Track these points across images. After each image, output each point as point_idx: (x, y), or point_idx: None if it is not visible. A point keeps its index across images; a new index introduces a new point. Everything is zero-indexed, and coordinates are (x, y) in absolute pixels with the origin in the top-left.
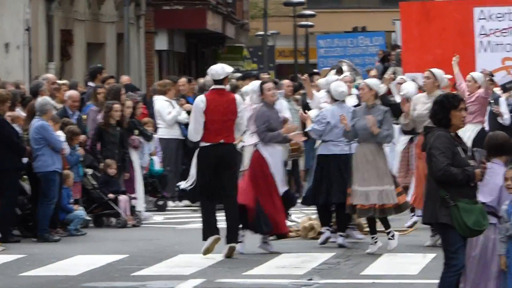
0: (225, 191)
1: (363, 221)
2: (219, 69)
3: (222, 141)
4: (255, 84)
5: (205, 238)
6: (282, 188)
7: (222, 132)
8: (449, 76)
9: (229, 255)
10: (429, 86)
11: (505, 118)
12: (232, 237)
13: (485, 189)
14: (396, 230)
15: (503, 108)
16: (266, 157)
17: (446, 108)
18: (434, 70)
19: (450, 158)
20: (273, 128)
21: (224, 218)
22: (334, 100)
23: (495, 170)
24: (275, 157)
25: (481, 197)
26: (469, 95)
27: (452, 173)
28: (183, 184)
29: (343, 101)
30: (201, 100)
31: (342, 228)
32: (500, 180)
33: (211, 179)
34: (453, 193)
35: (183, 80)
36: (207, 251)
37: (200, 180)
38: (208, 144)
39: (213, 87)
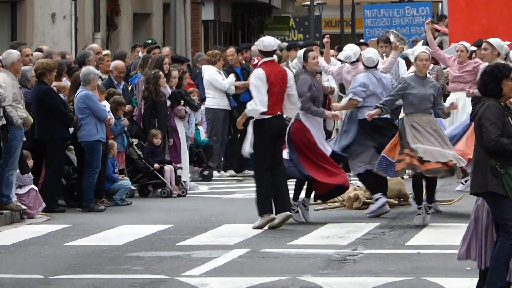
0: (276, 160)
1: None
2: (272, 41)
3: (279, 113)
4: (300, 52)
5: (261, 213)
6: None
7: (279, 103)
8: (508, 42)
9: (281, 224)
10: (489, 57)
11: None
12: (284, 205)
13: None
14: (440, 201)
15: None
16: (307, 126)
17: (497, 77)
18: (491, 40)
19: (501, 129)
20: (315, 97)
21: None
22: (366, 67)
23: None
24: (316, 126)
25: None
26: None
27: (503, 143)
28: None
29: (375, 67)
30: (261, 72)
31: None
32: None
33: (270, 152)
34: (503, 162)
35: (231, 50)
36: (259, 228)
37: (262, 153)
38: (268, 116)
39: (266, 59)
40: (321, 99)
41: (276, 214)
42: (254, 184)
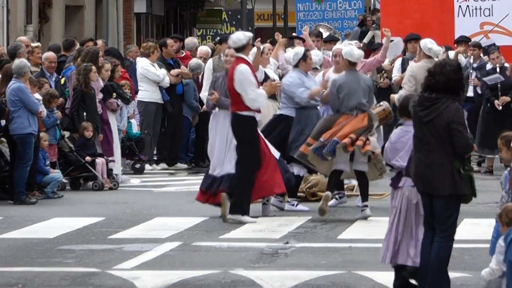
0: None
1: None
2: (240, 34)
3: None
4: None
5: (246, 213)
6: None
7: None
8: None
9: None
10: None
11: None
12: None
13: (403, 153)
14: (373, 194)
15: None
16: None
17: (461, 77)
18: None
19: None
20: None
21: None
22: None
23: (410, 132)
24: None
25: (400, 161)
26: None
27: (473, 146)
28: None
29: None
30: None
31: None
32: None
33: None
34: (463, 163)
35: (171, 41)
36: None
37: (255, 150)
38: (252, 114)
39: (237, 55)
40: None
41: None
42: (186, 178)
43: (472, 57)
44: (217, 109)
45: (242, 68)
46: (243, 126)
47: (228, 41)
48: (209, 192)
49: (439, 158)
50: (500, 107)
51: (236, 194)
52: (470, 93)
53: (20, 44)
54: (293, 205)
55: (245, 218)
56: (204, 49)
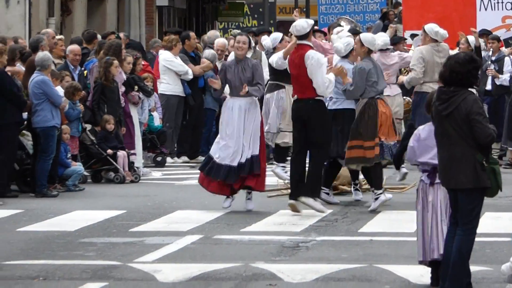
0: (309, 145)
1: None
2: (304, 23)
3: (295, 96)
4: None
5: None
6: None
7: (297, 88)
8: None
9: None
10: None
11: (502, 79)
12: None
13: (431, 150)
14: (394, 188)
15: (506, 67)
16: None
17: (476, 68)
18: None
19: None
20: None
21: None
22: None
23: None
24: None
25: (429, 157)
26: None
27: (494, 136)
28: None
29: (346, 56)
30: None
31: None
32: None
33: (296, 135)
34: (486, 156)
35: (194, 34)
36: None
37: (331, 134)
38: (322, 98)
39: (301, 42)
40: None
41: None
42: None
43: (491, 49)
44: (228, 97)
45: (315, 54)
46: (321, 111)
47: (291, 29)
48: (209, 178)
49: (461, 151)
50: None
51: (313, 179)
52: (488, 86)
53: (42, 37)
54: (328, 194)
55: (317, 204)
56: (221, 41)
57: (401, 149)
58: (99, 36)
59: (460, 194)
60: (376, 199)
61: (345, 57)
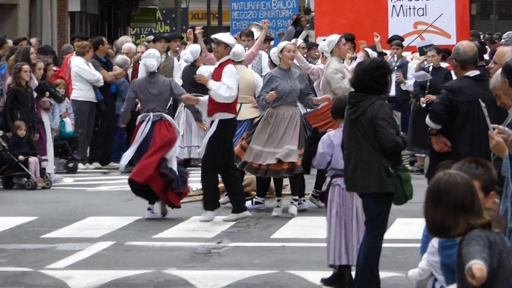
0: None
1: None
2: (239, 48)
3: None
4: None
5: (205, 208)
6: None
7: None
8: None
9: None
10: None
11: (407, 84)
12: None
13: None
14: (306, 194)
15: (409, 73)
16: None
17: (384, 74)
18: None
19: (394, 127)
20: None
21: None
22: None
23: None
24: None
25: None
26: None
27: (399, 143)
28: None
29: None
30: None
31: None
32: None
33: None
34: (393, 163)
35: (105, 40)
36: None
37: (222, 151)
38: (232, 116)
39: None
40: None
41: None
42: (120, 177)
43: (395, 55)
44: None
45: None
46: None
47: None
48: None
49: (367, 156)
50: (424, 105)
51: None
52: (392, 92)
53: None
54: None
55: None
56: (127, 45)
57: (309, 155)
58: (10, 42)
59: (365, 199)
60: (299, 203)
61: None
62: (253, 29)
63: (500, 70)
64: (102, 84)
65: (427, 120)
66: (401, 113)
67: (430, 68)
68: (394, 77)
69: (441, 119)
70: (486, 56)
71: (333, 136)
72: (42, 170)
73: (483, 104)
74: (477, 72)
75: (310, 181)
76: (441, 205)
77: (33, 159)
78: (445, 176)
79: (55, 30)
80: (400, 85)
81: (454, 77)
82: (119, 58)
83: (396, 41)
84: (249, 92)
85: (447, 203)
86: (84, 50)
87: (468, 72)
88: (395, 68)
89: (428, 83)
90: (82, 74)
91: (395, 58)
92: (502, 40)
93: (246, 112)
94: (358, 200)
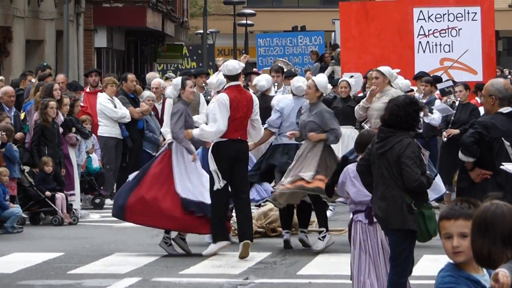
0: (239, 186)
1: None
2: (236, 64)
3: (239, 137)
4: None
5: (215, 240)
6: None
7: (241, 129)
8: (398, 70)
9: (245, 253)
10: (381, 85)
11: (430, 117)
12: (246, 233)
13: (360, 188)
14: (332, 230)
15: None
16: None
17: (416, 110)
18: (382, 68)
19: (420, 167)
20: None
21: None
22: (293, 94)
23: None
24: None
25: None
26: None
27: (424, 183)
28: (216, 185)
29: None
30: (225, 97)
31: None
32: None
33: (226, 175)
34: (417, 200)
35: (132, 76)
36: (212, 254)
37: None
38: (225, 139)
39: (231, 83)
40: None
41: (239, 242)
42: None
43: (423, 92)
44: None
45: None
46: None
47: (221, 68)
48: None
49: (391, 192)
50: (445, 139)
51: None
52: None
53: None
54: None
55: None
56: (157, 81)
57: (332, 182)
58: (33, 80)
59: (390, 235)
60: (323, 237)
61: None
62: (280, 64)
63: None
64: (129, 120)
65: (460, 154)
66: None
67: (457, 103)
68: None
69: (472, 151)
70: None
71: (351, 168)
72: (69, 206)
73: (507, 143)
74: (510, 109)
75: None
76: (488, 236)
77: (59, 195)
78: (492, 206)
79: (81, 65)
80: (423, 117)
81: (482, 113)
82: (147, 94)
83: (426, 78)
84: None
85: (494, 234)
86: (108, 85)
87: (502, 108)
88: (424, 104)
89: (452, 118)
90: (105, 112)
91: (422, 95)
92: None
93: None
94: (382, 233)
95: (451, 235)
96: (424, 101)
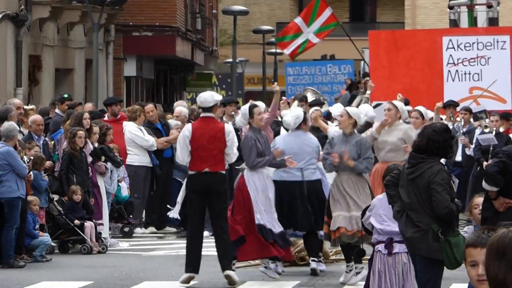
0: (216, 221)
1: (329, 249)
2: (208, 96)
3: (206, 169)
4: (244, 107)
5: (186, 269)
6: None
7: (208, 160)
8: (409, 108)
9: (231, 282)
10: (393, 117)
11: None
12: (227, 263)
13: (381, 218)
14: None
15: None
16: (248, 182)
17: (449, 138)
18: (395, 102)
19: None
20: (261, 152)
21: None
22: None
23: None
24: (260, 182)
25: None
26: None
27: (453, 210)
28: (171, 213)
29: (297, 128)
30: (187, 128)
31: (314, 254)
32: None
33: (199, 208)
34: (444, 229)
35: (150, 106)
36: (184, 282)
37: (188, 208)
38: (194, 172)
39: (202, 115)
40: (268, 153)
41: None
42: (175, 241)
43: (462, 120)
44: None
45: (231, 127)
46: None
47: (197, 99)
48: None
49: (418, 218)
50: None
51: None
52: (458, 157)
53: (11, 107)
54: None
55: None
56: (178, 109)
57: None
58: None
59: (418, 263)
60: (357, 273)
61: (297, 128)
62: (308, 94)
63: None
64: (155, 148)
65: (483, 184)
66: (461, 178)
67: (493, 133)
68: (460, 141)
69: (496, 181)
70: None
71: (376, 199)
72: (98, 235)
73: None
74: None
75: None
76: (504, 261)
77: (88, 224)
78: (511, 232)
79: (110, 94)
80: (465, 149)
81: None
82: (174, 123)
83: (465, 106)
84: None
85: (510, 260)
86: (135, 115)
87: None
88: (462, 133)
89: (491, 148)
90: (136, 140)
91: (462, 123)
92: None
93: None
94: (401, 265)
95: (476, 263)
96: (464, 130)
